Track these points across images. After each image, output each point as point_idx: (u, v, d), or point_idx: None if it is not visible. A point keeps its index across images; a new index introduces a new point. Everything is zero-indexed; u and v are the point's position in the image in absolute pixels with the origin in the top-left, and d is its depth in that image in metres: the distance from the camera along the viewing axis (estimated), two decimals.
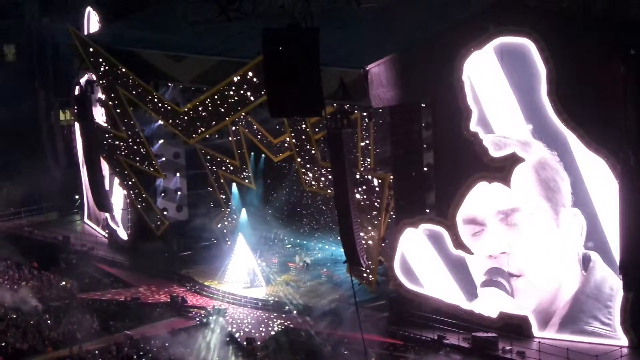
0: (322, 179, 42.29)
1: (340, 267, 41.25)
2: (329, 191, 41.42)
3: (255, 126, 45.87)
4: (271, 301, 41.01)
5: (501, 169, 34.08)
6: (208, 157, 46.80)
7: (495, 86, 33.85)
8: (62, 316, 39.34)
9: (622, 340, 33.15)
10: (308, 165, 42.68)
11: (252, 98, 40.13)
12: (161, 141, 46.96)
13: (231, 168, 47.03)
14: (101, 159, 46.96)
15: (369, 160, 40.45)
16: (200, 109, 42.10)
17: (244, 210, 46.90)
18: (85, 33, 49.20)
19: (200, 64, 41.96)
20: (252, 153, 47.56)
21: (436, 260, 35.94)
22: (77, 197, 54.32)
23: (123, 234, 48.73)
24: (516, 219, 34.07)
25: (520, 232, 34.13)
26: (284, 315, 39.58)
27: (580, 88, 32.47)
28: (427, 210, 36.92)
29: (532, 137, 33.44)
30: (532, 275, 34.19)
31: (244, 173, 47.32)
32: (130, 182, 46.58)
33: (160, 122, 44.86)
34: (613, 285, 33.05)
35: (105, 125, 46.52)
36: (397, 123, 37.73)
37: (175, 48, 43.00)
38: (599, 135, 32.55)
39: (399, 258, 36.67)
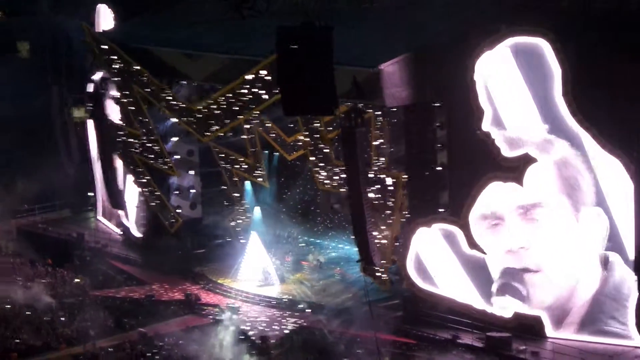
0: (336, 177, 42.24)
1: (354, 266, 41.12)
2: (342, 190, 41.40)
3: (269, 124, 45.82)
4: (284, 299, 41.04)
5: (514, 169, 33.98)
6: (222, 155, 46.69)
7: (511, 86, 33.74)
8: (76, 313, 39.42)
9: (637, 340, 33.07)
10: (322, 164, 42.64)
11: (266, 96, 40.10)
12: (175, 139, 46.75)
13: (245, 166, 46.89)
14: (115, 156, 46.97)
15: (382, 159, 40.35)
16: (214, 107, 42.11)
17: (257, 209, 46.77)
18: (97, 30, 49.25)
19: (214, 62, 42.01)
20: (266, 151, 47.49)
21: (450, 259, 35.86)
22: (90, 194, 54.36)
23: (136, 232, 48.78)
24: (536, 214, 33.86)
25: (540, 227, 33.88)
26: (297, 314, 39.57)
27: (593, 88, 32.32)
28: (441, 210, 36.82)
29: (555, 136, 33.35)
30: (550, 271, 34.01)
31: (258, 171, 47.17)
32: (144, 180, 46.57)
33: (174, 119, 44.87)
34: (631, 285, 32.95)
35: (120, 122, 46.57)
36: (411, 122, 37.61)
37: (189, 46, 43.01)
38: (613, 135, 32.46)
39: (412, 257, 36.59)
